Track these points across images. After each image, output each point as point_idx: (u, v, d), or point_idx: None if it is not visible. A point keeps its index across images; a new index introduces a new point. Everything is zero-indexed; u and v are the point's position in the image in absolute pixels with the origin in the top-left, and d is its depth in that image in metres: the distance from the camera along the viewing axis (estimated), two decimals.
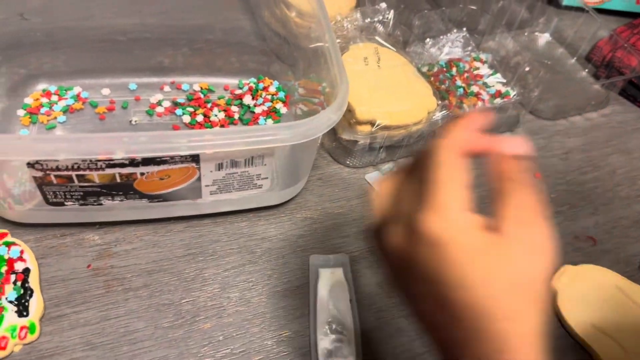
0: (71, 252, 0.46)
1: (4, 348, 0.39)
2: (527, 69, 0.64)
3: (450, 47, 0.68)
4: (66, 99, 0.56)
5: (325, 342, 0.43)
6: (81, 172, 0.39)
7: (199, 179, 0.43)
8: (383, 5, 0.64)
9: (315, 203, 0.53)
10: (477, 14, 0.70)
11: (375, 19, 0.63)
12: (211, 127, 0.56)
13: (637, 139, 0.65)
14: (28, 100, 0.55)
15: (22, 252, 0.44)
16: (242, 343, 0.43)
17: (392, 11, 0.63)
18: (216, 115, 0.57)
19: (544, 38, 0.75)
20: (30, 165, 0.38)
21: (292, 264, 0.48)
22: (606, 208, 0.57)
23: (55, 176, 0.39)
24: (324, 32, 0.49)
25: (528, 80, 0.64)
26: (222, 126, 0.56)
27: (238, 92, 0.60)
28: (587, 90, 0.69)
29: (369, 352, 0.44)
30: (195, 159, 0.41)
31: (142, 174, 0.41)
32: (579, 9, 0.79)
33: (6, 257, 0.43)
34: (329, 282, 0.47)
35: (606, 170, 0.61)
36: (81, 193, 0.42)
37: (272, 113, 0.58)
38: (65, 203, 0.43)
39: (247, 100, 0.59)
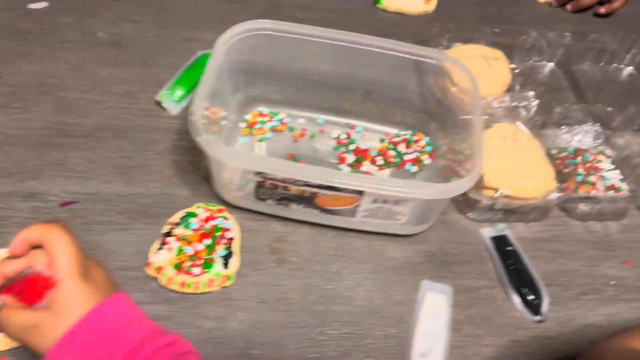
0: (261, 233, 0.66)
1: (210, 285, 0.60)
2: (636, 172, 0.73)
3: (582, 136, 0.80)
4: (273, 121, 0.77)
5: (419, 345, 0.59)
6: (286, 184, 0.59)
7: (357, 206, 0.61)
8: (531, 93, 0.78)
9: (435, 241, 0.68)
10: (612, 114, 0.80)
11: (521, 104, 0.77)
12: (370, 163, 0.73)
13: None
14: (248, 117, 0.77)
15: (232, 224, 0.64)
16: (360, 328, 0.60)
17: (537, 101, 0.76)
18: (373, 161, 0.74)
19: None
20: (258, 173, 0.58)
21: (408, 282, 0.64)
22: None
23: (270, 183, 0.59)
24: (475, 109, 0.64)
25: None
26: (378, 164, 0.73)
27: (395, 139, 0.77)
28: None
29: None
30: (360, 192, 0.59)
31: (322, 194, 0.60)
32: None
33: (221, 226, 0.64)
34: (432, 304, 0.62)
35: None
36: (280, 197, 0.62)
37: (417, 162, 0.75)
38: (267, 200, 0.63)
39: (401, 148, 0.76)
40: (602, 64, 0.93)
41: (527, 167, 0.69)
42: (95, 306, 0.47)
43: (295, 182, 0.58)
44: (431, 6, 0.96)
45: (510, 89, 0.79)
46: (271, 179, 0.59)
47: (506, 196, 0.67)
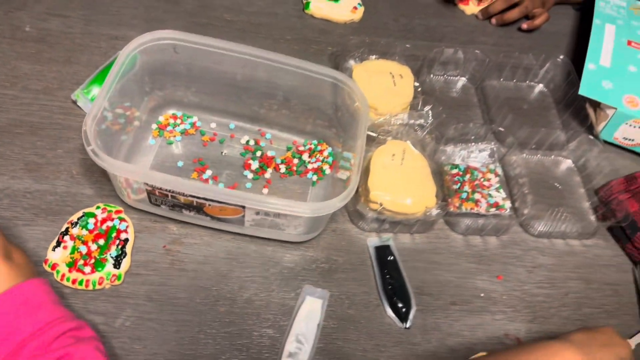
0: (157, 234, 0.71)
1: (100, 284, 0.65)
2: (525, 190, 0.79)
3: (477, 153, 0.85)
4: (185, 124, 0.81)
5: (289, 346, 0.65)
6: (174, 194, 0.64)
7: (243, 216, 0.66)
8: (429, 111, 0.83)
9: (324, 248, 0.74)
10: (511, 132, 0.85)
11: (418, 122, 0.82)
12: (273, 170, 0.78)
13: (602, 274, 0.78)
14: (161, 119, 0.81)
15: (127, 226, 0.69)
16: (238, 328, 0.66)
17: (431, 119, 0.81)
18: (277, 168, 0.79)
19: (566, 164, 0.88)
20: (146, 183, 0.63)
21: (292, 286, 0.70)
22: (544, 321, 0.72)
23: (159, 192, 0.64)
24: (360, 130, 0.69)
25: (526, 200, 0.80)
26: (280, 171, 0.78)
27: (301, 148, 0.82)
28: (579, 220, 0.82)
29: None
30: (242, 206, 0.63)
31: (209, 205, 0.64)
32: (612, 145, 0.91)
33: (118, 227, 0.68)
34: (309, 307, 0.68)
35: (561, 291, 0.75)
36: (171, 204, 0.66)
37: (319, 171, 0.80)
38: (161, 206, 0.68)
39: (305, 157, 0.80)
40: (515, 80, 0.98)
41: (411, 184, 0.74)
42: (13, 286, 0.53)
43: (180, 193, 0.63)
44: (357, 15, 1.00)
45: (412, 107, 0.84)
46: (160, 188, 0.63)
47: (389, 211, 0.72)
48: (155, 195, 0.65)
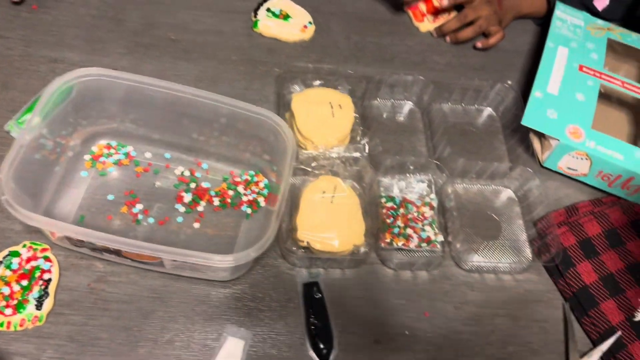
0: (83, 272, 0.71)
1: (22, 325, 0.66)
2: (460, 223, 0.79)
3: (415, 184, 0.85)
4: (119, 154, 0.80)
5: None
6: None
7: (161, 261, 0.67)
8: (364, 141, 0.82)
9: (252, 285, 0.74)
10: (453, 161, 0.84)
11: (354, 154, 0.81)
12: (207, 203, 0.78)
13: (531, 309, 0.78)
14: (94, 149, 0.80)
15: (52, 266, 0.70)
16: None
17: (369, 153, 0.81)
18: (210, 200, 0.79)
19: (506, 193, 0.88)
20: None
21: (215, 325, 0.70)
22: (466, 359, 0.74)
23: (75, 237, 0.64)
24: (285, 169, 0.69)
25: (460, 233, 0.80)
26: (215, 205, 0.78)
27: (237, 179, 0.81)
28: (514, 254, 0.83)
29: None
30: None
31: (125, 249, 0.65)
32: (557, 174, 0.91)
33: (42, 267, 0.69)
34: (230, 348, 0.69)
35: (487, 329, 0.76)
36: (91, 247, 0.67)
37: (254, 204, 0.80)
38: (81, 247, 0.68)
39: (240, 189, 0.80)
40: (464, 104, 0.97)
41: (340, 222, 0.74)
42: None
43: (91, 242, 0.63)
44: (307, 34, 0.98)
45: (352, 137, 0.83)
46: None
47: (315, 250, 0.73)
48: (74, 240, 0.66)
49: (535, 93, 0.89)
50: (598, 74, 0.94)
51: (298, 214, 0.74)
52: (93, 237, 0.61)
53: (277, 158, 0.76)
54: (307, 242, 0.73)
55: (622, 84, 0.93)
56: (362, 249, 0.74)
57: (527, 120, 0.86)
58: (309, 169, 0.79)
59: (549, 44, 0.97)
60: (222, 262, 0.62)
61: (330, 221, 0.74)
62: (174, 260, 0.66)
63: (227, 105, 0.74)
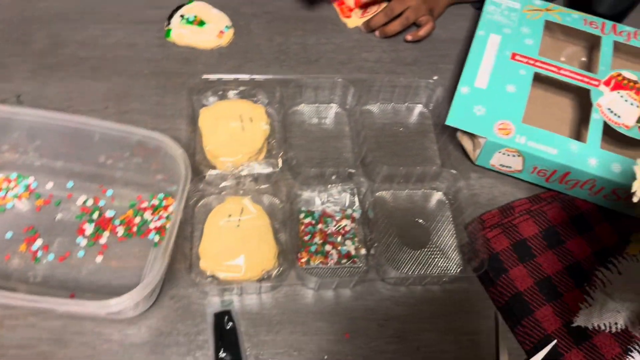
0: None
1: None
2: (384, 233, 0.75)
3: (338, 195, 0.80)
4: (19, 187, 0.76)
5: None
6: None
7: None
8: (280, 154, 0.78)
9: (159, 319, 0.70)
10: (378, 167, 0.80)
11: (267, 170, 0.77)
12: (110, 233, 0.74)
13: (461, 322, 0.74)
14: None
15: None
16: None
17: (283, 167, 0.76)
18: (114, 230, 0.75)
19: (436, 196, 0.83)
20: None
21: None
22: None
23: None
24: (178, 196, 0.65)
25: (384, 244, 0.76)
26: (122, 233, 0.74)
27: (144, 205, 0.77)
28: (442, 262, 0.78)
29: None
30: None
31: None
32: (492, 171, 0.86)
33: None
34: None
35: (412, 345, 0.72)
36: None
37: (162, 230, 0.75)
38: None
39: (147, 215, 0.76)
40: (393, 102, 0.92)
41: (247, 247, 0.70)
42: None
43: None
44: (225, 40, 0.93)
45: (268, 151, 0.79)
46: None
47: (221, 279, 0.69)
48: None
49: (462, 89, 0.84)
50: (532, 62, 0.88)
51: (201, 242, 0.70)
52: None
53: (175, 175, 0.72)
54: (213, 273, 0.68)
55: (558, 69, 0.88)
56: (274, 272, 0.70)
57: (452, 120, 0.81)
58: (216, 191, 0.75)
59: (479, 32, 0.91)
60: (100, 309, 0.58)
61: (236, 247, 0.70)
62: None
63: (119, 132, 0.70)
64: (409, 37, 0.97)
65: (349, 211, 0.78)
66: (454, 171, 0.79)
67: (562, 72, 0.87)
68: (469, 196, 0.81)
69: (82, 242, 0.73)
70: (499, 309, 0.76)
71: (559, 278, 0.77)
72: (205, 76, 0.82)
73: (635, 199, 0.58)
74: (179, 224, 0.65)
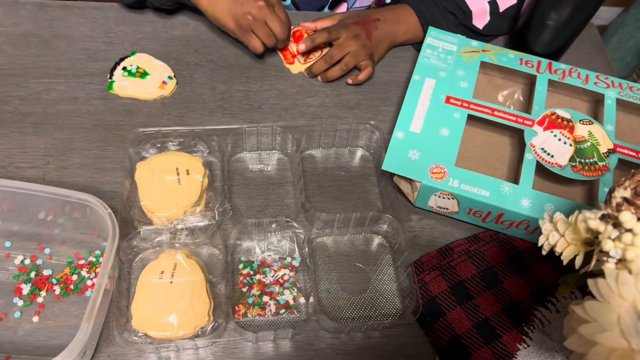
0: None
1: None
2: (322, 281, 0.76)
3: (278, 244, 0.81)
4: None
5: None
6: None
7: None
8: (217, 206, 0.78)
9: None
10: (312, 215, 0.81)
11: (203, 223, 0.77)
12: (47, 292, 0.74)
13: None
14: None
15: None
16: None
17: (220, 219, 0.77)
18: (51, 289, 0.75)
19: (377, 240, 0.84)
20: None
21: None
22: None
23: None
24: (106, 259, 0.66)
25: (321, 293, 0.76)
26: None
27: (82, 262, 0.77)
28: (382, 306, 0.79)
29: None
30: None
31: None
32: (431, 212, 0.88)
33: None
34: None
35: None
36: None
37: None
38: None
39: (84, 272, 0.76)
40: (335, 146, 0.93)
41: (180, 304, 0.70)
42: None
43: None
44: (167, 90, 0.94)
45: (207, 204, 0.80)
46: None
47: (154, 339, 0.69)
48: None
49: (397, 134, 0.86)
50: (466, 104, 0.90)
51: (133, 300, 0.70)
52: None
53: (104, 234, 0.72)
54: (142, 333, 0.69)
55: (492, 111, 0.90)
56: (209, 327, 0.70)
57: (387, 165, 0.83)
58: (152, 246, 0.75)
59: (414, 77, 0.93)
60: None
61: (168, 305, 0.70)
62: None
63: (51, 195, 0.70)
64: (349, 81, 0.99)
65: (288, 259, 0.79)
66: (389, 216, 0.80)
67: (496, 113, 0.90)
68: (409, 239, 0.82)
69: (19, 302, 0.73)
70: (438, 353, 0.76)
71: (497, 319, 0.78)
72: (142, 129, 0.82)
73: (544, 252, 0.60)
74: (116, 281, 0.66)
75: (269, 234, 0.81)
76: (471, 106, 0.90)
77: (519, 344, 0.76)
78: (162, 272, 0.72)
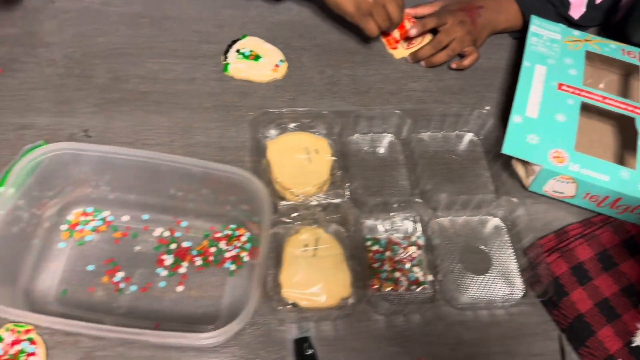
0: (69, 349, 0.70)
1: None
2: (448, 261, 0.78)
3: (401, 223, 0.83)
4: (96, 220, 0.79)
5: None
6: None
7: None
8: (347, 185, 0.81)
9: (242, 347, 0.72)
10: (437, 193, 0.83)
11: (335, 200, 0.80)
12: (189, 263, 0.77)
13: (528, 344, 0.77)
14: (71, 217, 0.79)
15: (37, 347, 0.68)
16: None
17: (350, 196, 0.80)
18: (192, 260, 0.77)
19: (494, 222, 0.86)
20: None
21: None
22: None
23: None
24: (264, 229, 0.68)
25: (449, 271, 0.79)
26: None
27: (218, 235, 0.80)
28: (505, 287, 0.81)
29: None
30: None
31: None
32: (544, 197, 0.90)
33: (26, 351, 0.67)
34: None
35: None
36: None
37: (237, 259, 0.78)
38: None
39: (222, 245, 0.79)
40: (443, 130, 0.95)
41: (325, 276, 0.73)
42: None
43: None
44: (280, 73, 0.96)
45: (332, 183, 0.82)
46: None
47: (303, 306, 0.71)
48: None
49: (514, 118, 0.88)
50: (578, 91, 0.92)
51: (281, 271, 0.72)
52: (71, 327, 0.60)
53: (256, 208, 0.75)
54: (294, 301, 0.71)
55: (603, 99, 0.92)
56: (351, 300, 0.73)
57: (507, 148, 0.85)
58: (289, 221, 0.77)
59: (525, 63, 0.95)
60: (203, 340, 0.60)
61: (315, 276, 0.72)
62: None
63: (195, 167, 0.73)
64: (453, 65, 1.01)
65: (414, 238, 0.81)
66: (515, 199, 0.82)
67: (606, 101, 0.92)
68: (525, 222, 0.84)
69: (162, 272, 0.76)
70: (562, 330, 0.78)
71: (615, 299, 0.80)
72: (269, 104, 0.85)
73: None
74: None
75: (391, 214, 0.83)
76: (582, 93, 0.92)
77: (638, 322, 0.78)
78: (305, 245, 0.74)
